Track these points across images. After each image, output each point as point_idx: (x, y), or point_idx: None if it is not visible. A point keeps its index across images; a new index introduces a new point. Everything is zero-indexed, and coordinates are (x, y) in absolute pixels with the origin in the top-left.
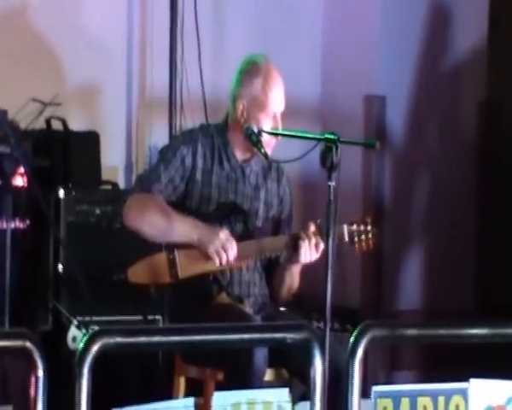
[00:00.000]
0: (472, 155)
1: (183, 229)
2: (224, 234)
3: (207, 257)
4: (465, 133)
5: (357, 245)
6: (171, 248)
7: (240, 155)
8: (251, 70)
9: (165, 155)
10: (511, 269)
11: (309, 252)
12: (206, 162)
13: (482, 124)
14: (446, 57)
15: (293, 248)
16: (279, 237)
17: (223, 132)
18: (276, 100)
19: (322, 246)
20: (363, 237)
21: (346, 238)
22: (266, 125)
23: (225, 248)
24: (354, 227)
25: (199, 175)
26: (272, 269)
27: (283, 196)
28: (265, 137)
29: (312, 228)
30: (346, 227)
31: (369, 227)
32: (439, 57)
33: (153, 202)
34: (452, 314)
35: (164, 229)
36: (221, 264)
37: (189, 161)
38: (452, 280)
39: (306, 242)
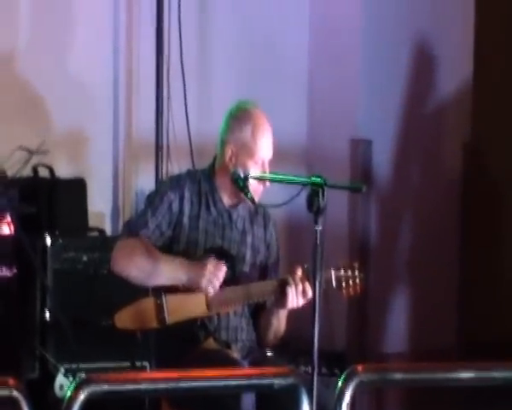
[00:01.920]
0: (457, 196)
1: (170, 271)
2: (211, 263)
3: (196, 301)
4: (450, 174)
5: (344, 290)
6: (158, 293)
7: (227, 200)
8: (240, 116)
9: (153, 200)
10: (496, 308)
11: (296, 298)
12: (193, 208)
13: (466, 165)
14: (431, 99)
15: (281, 294)
16: (266, 283)
17: (210, 178)
18: (265, 147)
19: (310, 292)
20: (350, 282)
21: (334, 283)
22: (254, 171)
23: (217, 276)
24: (342, 272)
25: (186, 220)
26: (259, 313)
27: (270, 241)
28: (253, 185)
29: (300, 273)
30: (333, 272)
31: (356, 272)
32: (424, 99)
33: (140, 247)
34: (438, 355)
35: (152, 272)
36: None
37: (175, 206)
38: (438, 321)
39: (294, 288)
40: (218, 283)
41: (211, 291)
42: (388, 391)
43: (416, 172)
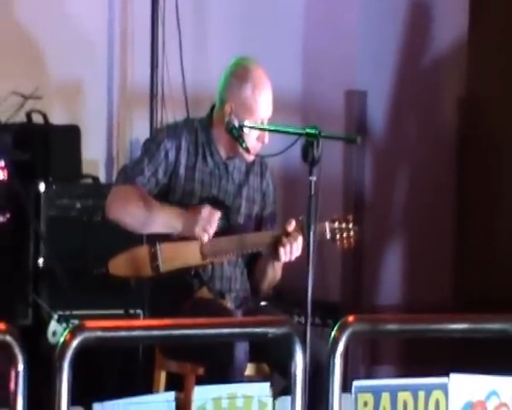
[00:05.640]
0: (451, 150)
1: (165, 219)
2: (205, 210)
3: (190, 250)
4: (445, 128)
5: (338, 243)
6: (152, 241)
7: (223, 152)
8: (240, 74)
9: (149, 148)
10: (490, 263)
11: (290, 252)
12: (190, 158)
13: (461, 119)
14: (427, 53)
15: (275, 247)
16: (261, 234)
17: (207, 128)
18: (265, 106)
19: (301, 245)
20: (344, 234)
21: (328, 236)
22: (253, 130)
23: (211, 223)
24: (336, 224)
25: (182, 170)
26: (254, 261)
27: (266, 190)
28: (251, 142)
29: (294, 226)
30: (327, 224)
31: (350, 225)
32: (420, 53)
33: (135, 194)
34: (431, 309)
35: (146, 220)
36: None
37: (172, 155)
38: (432, 274)
39: (287, 242)
40: (211, 230)
41: (205, 238)
42: (382, 342)
43: (411, 125)
